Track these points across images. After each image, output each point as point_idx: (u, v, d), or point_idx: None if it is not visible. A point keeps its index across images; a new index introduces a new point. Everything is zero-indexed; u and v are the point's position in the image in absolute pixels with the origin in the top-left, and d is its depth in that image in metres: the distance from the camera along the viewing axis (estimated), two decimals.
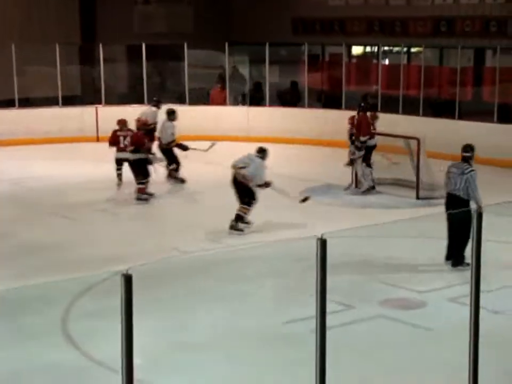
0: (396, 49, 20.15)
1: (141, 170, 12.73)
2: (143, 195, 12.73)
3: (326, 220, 11.19)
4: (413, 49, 20.06)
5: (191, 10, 23.03)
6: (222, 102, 19.62)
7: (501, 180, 14.04)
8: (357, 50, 22.44)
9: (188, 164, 14.14)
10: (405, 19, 19.62)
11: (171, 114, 14.17)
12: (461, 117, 16.55)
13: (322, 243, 3.66)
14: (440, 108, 18.37)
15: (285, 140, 18.28)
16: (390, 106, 17.93)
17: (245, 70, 21.79)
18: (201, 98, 19.89)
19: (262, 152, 11.32)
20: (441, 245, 9.85)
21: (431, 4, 19.00)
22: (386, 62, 20.66)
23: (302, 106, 19.12)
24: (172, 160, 14.03)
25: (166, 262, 9.45)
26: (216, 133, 18.14)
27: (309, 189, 13.69)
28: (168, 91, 21.22)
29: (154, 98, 16.03)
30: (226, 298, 8.30)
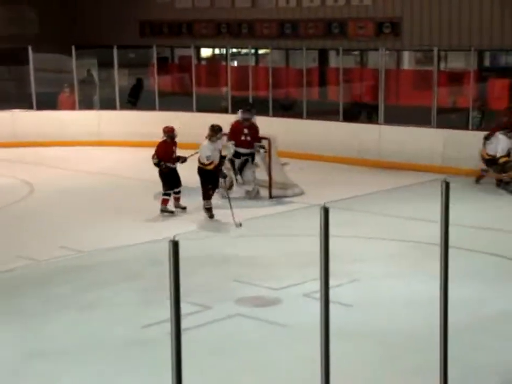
0: (244, 51, 20.37)
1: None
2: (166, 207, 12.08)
3: (180, 222, 11.16)
4: (260, 51, 20.35)
5: (34, 13, 22.37)
6: (71, 107, 19.21)
7: (344, 176, 14.45)
8: (206, 52, 22.52)
9: (39, 171, 13.75)
10: (251, 21, 19.88)
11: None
12: (308, 116, 16.94)
13: (175, 245, 3.63)
14: (288, 108, 18.74)
15: (137, 144, 18.10)
16: (240, 107, 18.12)
17: (94, 73, 21.41)
18: (50, 103, 19.37)
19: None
20: (294, 241, 10.04)
21: (275, 6, 19.35)
22: (235, 64, 20.85)
23: (153, 109, 18.98)
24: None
25: (20, 270, 9.14)
26: (65, 138, 17.73)
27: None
28: (14, 96, 20.50)
29: None
30: (83, 305, 8.12)
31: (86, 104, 19.66)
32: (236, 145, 13.01)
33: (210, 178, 11.62)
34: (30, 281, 8.86)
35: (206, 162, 11.58)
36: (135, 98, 20.23)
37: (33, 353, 6.92)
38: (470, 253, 9.54)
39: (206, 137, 11.76)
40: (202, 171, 11.70)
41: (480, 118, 15.59)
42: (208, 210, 11.48)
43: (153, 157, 12.16)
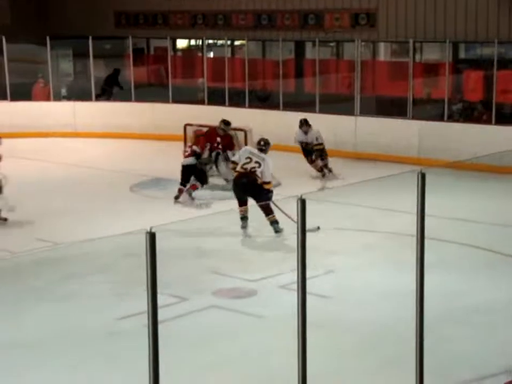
0: (220, 42, 20.31)
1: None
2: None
3: (157, 214, 11.13)
4: (236, 42, 20.30)
5: (6, 2, 22.13)
6: (46, 98, 19.07)
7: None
8: (181, 43, 22.43)
9: (13, 163, 13.60)
10: (227, 12, 19.82)
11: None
12: (285, 108, 16.94)
13: (151, 237, 3.61)
14: (265, 99, 18.73)
15: (114, 135, 18.02)
16: (216, 98, 18.09)
17: (69, 64, 21.26)
18: (24, 94, 19.21)
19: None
20: (270, 234, 10.05)
21: None
22: (211, 55, 20.79)
23: (129, 100, 18.90)
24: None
25: None
26: (40, 129, 17.60)
27: (140, 183, 13.59)
28: None
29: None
30: (57, 297, 8.07)
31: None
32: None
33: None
34: (4, 273, 8.79)
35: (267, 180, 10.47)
36: (110, 87, 20.10)
37: (6, 344, 6.88)
38: (446, 244, 9.59)
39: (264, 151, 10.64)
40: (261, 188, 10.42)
41: (460, 110, 15.69)
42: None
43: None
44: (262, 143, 10.71)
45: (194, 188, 12.20)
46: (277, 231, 10.13)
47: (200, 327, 7.34)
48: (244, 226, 10.37)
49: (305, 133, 13.86)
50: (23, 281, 8.52)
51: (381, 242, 10.06)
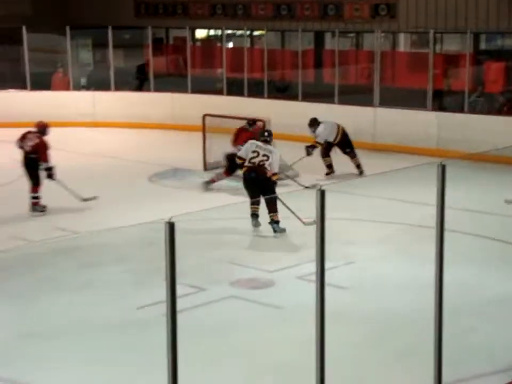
0: (239, 32, 20.30)
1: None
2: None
3: (177, 204, 11.15)
4: (256, 33, 20.28)
5: None
6: (65, 87, 19.14)
7: (338, 159, 14.44)
8: (201, 33, 22.44)
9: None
10: (247, 2, 19.81)
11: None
12: (304, 99, 16.92)
13: (171, 226, 3.63)
14: (283, 90, 18.71)
15: (133, 125, 18.07)
16: (236, 89, 18.08)
17: (88, 54, 21.34)
18: (44, 83, 19.30)
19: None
20: (290, 224, 10.04)
21: None
22: (230, 45, 20.79)
23: (148, 90, 18.94)
24: None
25: (13, 251, 9.13)
26: (60, 119, 17.66)
27: (159, 173, 13.63)
28: (8, 76, 20.43)
29: None
30: (76, 286, 8.12)
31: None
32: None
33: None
34: (23, 263, 8.85)
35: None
36: (143, 76, 19.93)
37: (25, 334, 6.93)
38: (464, 236, 9.56)
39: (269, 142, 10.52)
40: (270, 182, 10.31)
41: (481, 101, 15.59)
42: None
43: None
44: (266, 134, 10.57)
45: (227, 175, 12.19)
46: (276, 230, 9.89)
47: (218, 317, 7.36)
48: (255, 225, 10.10)
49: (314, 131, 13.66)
50: (41, 271, 8.57)
51: (400, 234, 10.03)
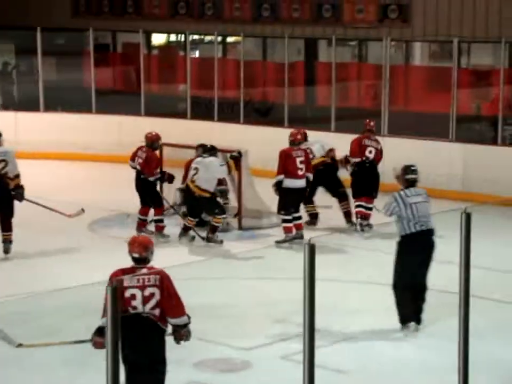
0: (208, 38, 20.47)
1: None
2: None
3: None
4: (230, 39, 20.47)
5: None
6: None
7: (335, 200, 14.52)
8: (158, 39, 22.61)
9: None
10: (218, 0, 19.97)
11: None
12: (291, 124, 17.02)
13: (113, 291, 3.67)
14: (265, 113, 18.84)
15: (67, 156, 18.08)
16: (203, 111, 18.19)
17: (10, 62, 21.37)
18: None
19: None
20: (270, 287, 10.04)
21: None
22: (197, 54, 20.96)
23: (89, 111, 18.96)
24: None
25: None
26: None
27: (101, 219, 13.64)
28: None
29: None
30: None
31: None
32: None
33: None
34: None
35: None
36: None
37: None
38: (495, 303, 9.62)
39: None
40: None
41: None
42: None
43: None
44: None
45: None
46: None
47: None
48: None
49: None
50: None
51: None
